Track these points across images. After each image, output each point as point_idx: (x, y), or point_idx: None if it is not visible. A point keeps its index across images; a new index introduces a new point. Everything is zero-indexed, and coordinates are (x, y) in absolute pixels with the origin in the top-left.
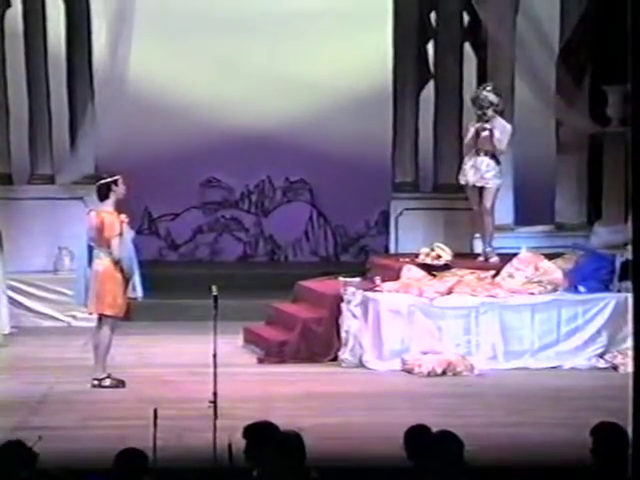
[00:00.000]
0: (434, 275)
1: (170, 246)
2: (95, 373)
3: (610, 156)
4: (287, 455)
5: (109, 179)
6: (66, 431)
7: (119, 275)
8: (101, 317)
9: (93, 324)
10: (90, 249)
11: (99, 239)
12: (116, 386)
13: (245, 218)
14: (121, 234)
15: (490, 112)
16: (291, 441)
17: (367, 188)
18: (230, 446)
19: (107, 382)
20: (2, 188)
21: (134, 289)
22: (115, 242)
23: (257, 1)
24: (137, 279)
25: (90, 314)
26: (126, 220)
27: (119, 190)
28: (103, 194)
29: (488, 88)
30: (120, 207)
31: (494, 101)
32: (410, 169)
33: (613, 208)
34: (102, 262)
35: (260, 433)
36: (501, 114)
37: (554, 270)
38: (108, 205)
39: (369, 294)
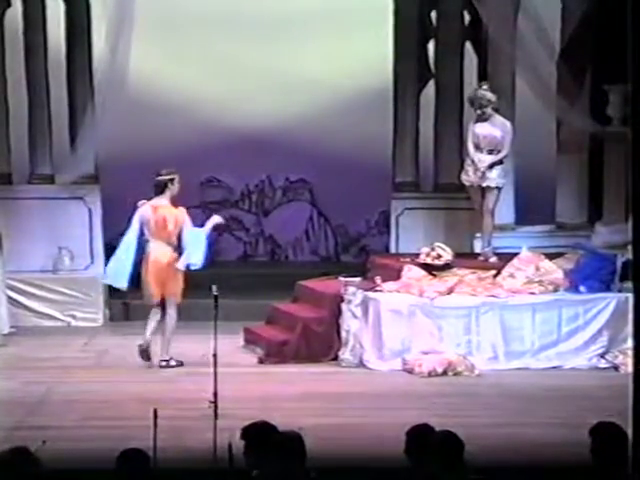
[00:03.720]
0: (435, 275)
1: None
2: (162, 356)
3: (611, 156)
4: (287, 455)
5: (167, 176)
6: (66, 431)
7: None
8: (164, 303)
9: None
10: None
11: (162, 232)
12: (178, 366)
13: (245, 218)
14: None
15: (489, 110)
16: (291, 441)
17: (367, 188)
18: (230, 446)
19: (173, 362)
20: (2, 188)
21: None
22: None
23: (257, 0)
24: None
25: (155, 301)
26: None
27: (174, 188)
28: (160, 190)
29: (484, 87)
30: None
31: (492, 99)
32: (410, 168)
33: (614, 208)
34: (165, 253)
35: (257, 433)
36: (497, 111)
37: (555, 270)
38: (165, 199)
39: (369, 294)
